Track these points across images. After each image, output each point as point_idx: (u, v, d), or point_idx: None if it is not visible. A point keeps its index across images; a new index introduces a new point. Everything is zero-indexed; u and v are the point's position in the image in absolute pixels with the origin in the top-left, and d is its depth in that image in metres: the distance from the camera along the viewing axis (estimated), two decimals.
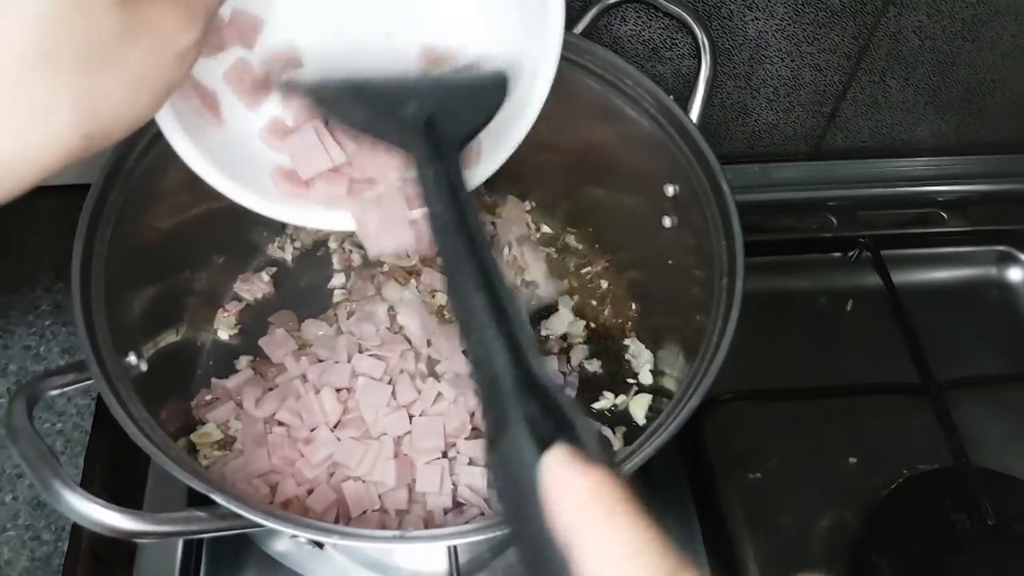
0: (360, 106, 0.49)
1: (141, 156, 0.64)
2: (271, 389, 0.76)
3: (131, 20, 0.34)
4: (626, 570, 0.27)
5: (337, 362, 0.76)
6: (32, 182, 0.34)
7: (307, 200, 0.53)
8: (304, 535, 0.51)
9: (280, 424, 0.73)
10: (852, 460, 0.81)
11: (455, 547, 0.60)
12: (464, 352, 0.37)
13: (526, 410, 0.33)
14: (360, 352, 0.77)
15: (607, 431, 0.77)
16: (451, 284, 0.40)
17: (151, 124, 0.65)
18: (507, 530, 0.33)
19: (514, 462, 0.31)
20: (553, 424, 0.32)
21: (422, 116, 0.46)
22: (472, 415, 0.74)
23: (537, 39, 0.51)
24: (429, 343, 0.79)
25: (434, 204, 0.43)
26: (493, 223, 0.90)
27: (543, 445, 0.31)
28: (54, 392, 0.55)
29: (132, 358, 0.62)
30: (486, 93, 0.50)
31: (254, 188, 0.52)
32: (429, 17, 0.56)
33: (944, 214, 1.00)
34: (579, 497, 0.29)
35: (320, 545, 0.57)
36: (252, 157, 0.53)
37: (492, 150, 0.54)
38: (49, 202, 0.88)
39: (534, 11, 0.51)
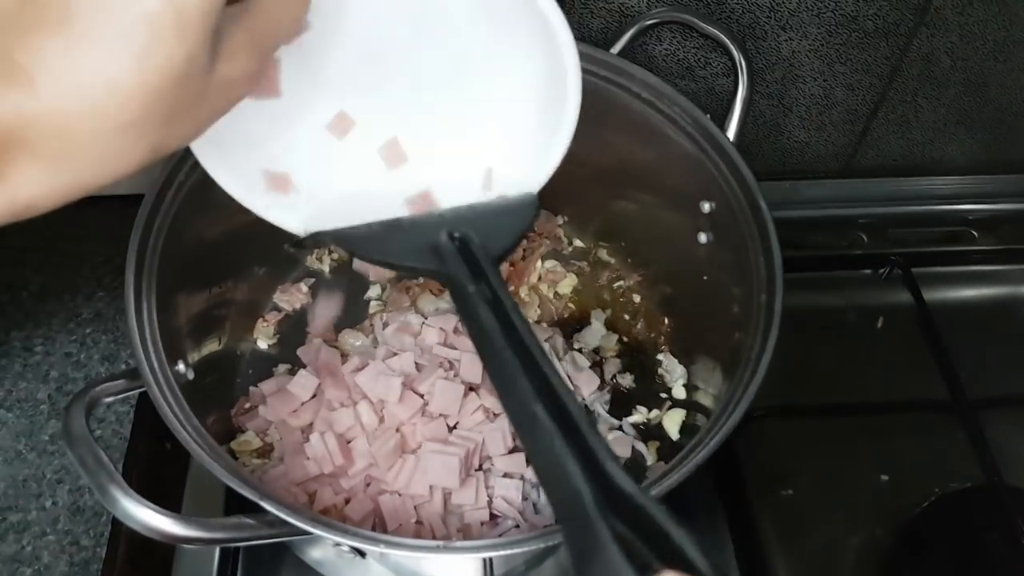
0: (388, 243, 0.49)
1: (192, 169, 0.65)
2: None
3: (212, 80, 0.35)
4: None
5: None
6: (94, 185, 0.35)
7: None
8: (351, 543, 0.52)
9: (318, 433, 0.73)
10: (884, 478, 0.81)
11: (491, 559, 0.61)
12: (534, 470, 0.34)
13: (615, 530, 0.29)
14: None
15: (640, 445, 0.78)
16: (507, 401, 0.38)
17: None
18: None
19: None
20: (650, 544, 0.28)
21: (455, 242, 0.46)
22: (514, 436, 0.74)
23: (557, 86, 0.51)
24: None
25: (478, 322, 0.41)
26: (526, 236, 0.91)
27: (642, 569, 0.27)
28: (108, 399, 0.57)
29: (181, 366, 0.63)
30: (516, 212, 0.50)
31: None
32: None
33: (975, 232, 1.01)
34: None
35: (363, 554, 0.58)
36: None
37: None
38: (90, 212, 0.90)
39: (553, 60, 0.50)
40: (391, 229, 0.50)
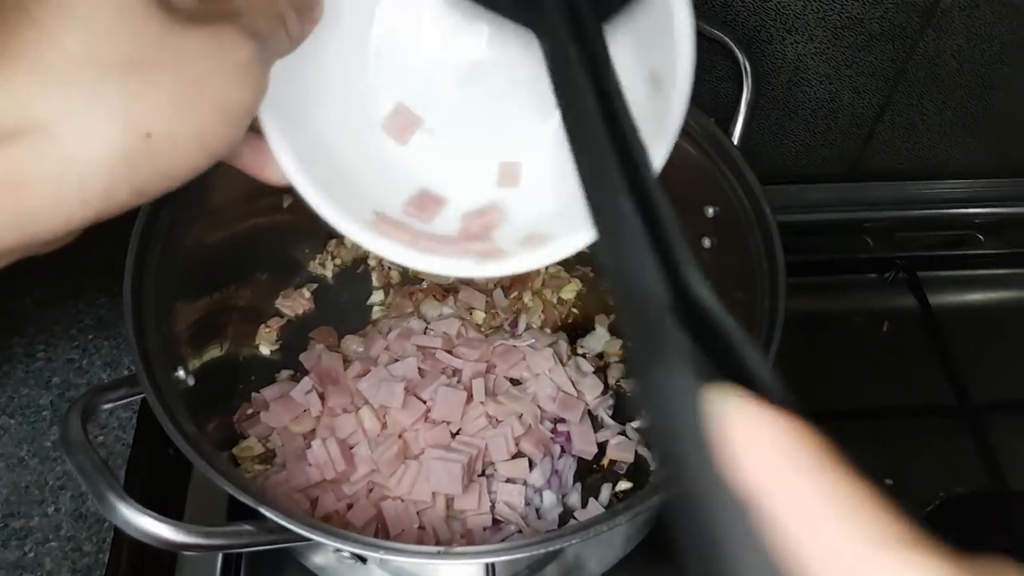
0: None
1: None
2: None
3: (178, 28, 0.35)
4: (845, 529, 0.22)
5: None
6: (100, 189, 0.34)
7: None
8: (351, 549, 0.51)
9: (320, 440, 0.73)
10: (888, 482, 0.80)
11: (493, 565, 0.61)
12: (604, 265, 0.31)
13: (686, 336, 0.27)
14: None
15: (643, 450, 0.77)
16: (591, 187, 0.35)
17: None
18: (662, 472, 0.27)
19: (670, 397, 0.26)
20: (721, 356, 0.27)
21: None
22: (517, 441, 0.74)
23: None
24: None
25: (574, 92, 0.37)
26: None
27: (705, 377, 0.25)
28: (107, 406, 0.57)
29: (180, 373, 0.63)
30: None
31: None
32: None
33: (981, 236, 1.00)
34: (768, 445, 0.24)
35: (363, 560, 0.57)
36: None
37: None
38: None
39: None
40: None
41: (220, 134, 0.37)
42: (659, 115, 0.46)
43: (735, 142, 0.73)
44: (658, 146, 0.46)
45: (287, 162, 0.45)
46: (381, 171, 0.51)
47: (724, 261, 0.73)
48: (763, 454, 0.24)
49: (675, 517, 0.25)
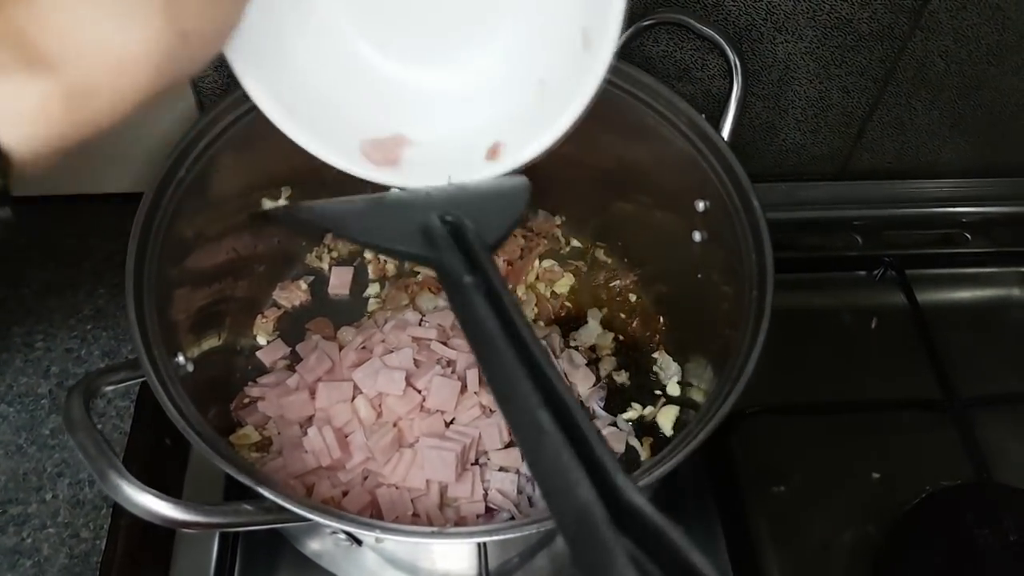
0: (372, 223, 0.47)
1: (193, 164, 0.66)
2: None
3: None
4: None
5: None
6: (149, 83, 0.37)
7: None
8: (346, 529, 0.52)
9: (316, 427, 0.74)
10: (875, 475, 0.82)
11: (485, 549, 0.62)
12: (537, 482, 0.30)
13: (627, 548, 0.27)
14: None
15: (634, 441, 0.79)
16: (507, 406, 0.35)
17: (203, 133, 0.67)
18: None
19: None
20: (663, 565, 0.27)
21: (446, 226, 0.43)
22: (509, 431, 0.75)
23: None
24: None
25: (474, 316, 0.38)
26: (524, 236, 0.92)
27: None
28: (108, 388, 0.57)
29: (180, 358, 0.64)
30: (509, 197, 0.48)
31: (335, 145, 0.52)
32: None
33: (968, 235, 1.02)
34: None
35: (359, 542, 0.58)
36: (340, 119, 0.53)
37: (517, 148, 0.52)
38: (92, 209, 0.90)
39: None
40: (375, 208, 0.48)
41: (235, 20, 0.40)
42: (582, 72, 0.49)
43: (725, 138, 0.74)
44: (574, 102, 0.49)
45: (269, 108, 0.49)
46: (366, 97, 0.53)
47: (714, 255, 0.74)
48: None
49: None
